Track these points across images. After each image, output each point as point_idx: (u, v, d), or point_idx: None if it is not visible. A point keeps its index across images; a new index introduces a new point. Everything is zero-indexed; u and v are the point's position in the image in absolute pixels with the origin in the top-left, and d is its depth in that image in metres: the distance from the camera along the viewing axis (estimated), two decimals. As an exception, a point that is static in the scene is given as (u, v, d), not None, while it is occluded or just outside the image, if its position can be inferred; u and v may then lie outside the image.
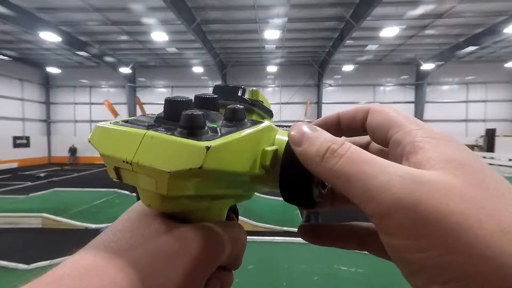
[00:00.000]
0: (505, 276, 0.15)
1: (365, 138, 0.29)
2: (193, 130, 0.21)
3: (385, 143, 0.24)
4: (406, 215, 0.17)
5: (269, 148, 0.25)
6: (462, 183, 0.17)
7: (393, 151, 0.22)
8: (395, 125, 0.23)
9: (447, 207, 0.16)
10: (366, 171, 0.19)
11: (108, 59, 15.56)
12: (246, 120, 0.26)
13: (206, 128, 0.22)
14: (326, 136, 0.22)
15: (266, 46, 14.47)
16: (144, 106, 17.68)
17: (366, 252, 0.27)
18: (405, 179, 0.17)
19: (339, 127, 0.28)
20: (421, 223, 0.16)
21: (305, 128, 0.23)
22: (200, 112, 0.21)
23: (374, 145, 0.29)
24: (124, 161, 0.22)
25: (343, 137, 0.30)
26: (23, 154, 17.37)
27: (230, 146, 0.22)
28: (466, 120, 17.77)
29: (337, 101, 18.12)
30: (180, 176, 0.20)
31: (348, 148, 0.20)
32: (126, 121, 0.25)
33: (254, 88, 0.32)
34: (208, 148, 0.19)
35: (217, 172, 0.21)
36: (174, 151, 0.20)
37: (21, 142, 17.42)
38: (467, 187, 0.17)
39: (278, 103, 18.31)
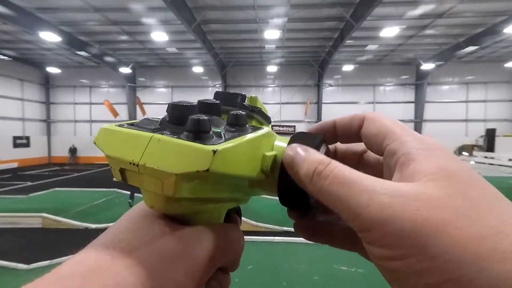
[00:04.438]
0: (482, 281, 0.15)
1: (362, 146, 0.29)
2: (199, 134, 0.22)
3: (380, 152, 0.24)
4: (386, 228, 0.18)
5: (269, 154, 0.26)
6: (445, 193, 0.18)
7: (388, 160, 0.23)
8: (390, 135, 0.23)
9: (422, 216, 0.17)
10: (350, 191, 0.20)
11: (108, 59, 15.55)
12: (247, 126, 0.27)
13: (211, 132, 0.22)
14: (314, 158, 0.23)
15: (266, 46, 14.46)
16: (144, 106, 17.67)
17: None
18: (383, 196, 0.18)
19: (335, 133, 0.29)
20: (398, 233, 0.17)
21: (297, 150, 0.24)
22: (206, 117, 0.22)
23: (370, 152, 0.29)
24: (130, 163, 0.22)
25: (338, 143, 0.30)
26: (23, 154, 17.35)
27: (235, 151, 0.22)
28: (466, 120, 17.76)
29: (337, 101, 18.10)
30: (186, 178, 0.21)
31: (334, 169, 0.21)
32: (132, 124, 0.26)
33: (253, 95, 0.34)
34: (214, 151, 0.20)
35: (222, 175, 0.22)
36: (181, 154, 0.21)
37: (21, 142, 17.41)
38: (449, 197, 0.18)
39: (278, 103, 18.30)
